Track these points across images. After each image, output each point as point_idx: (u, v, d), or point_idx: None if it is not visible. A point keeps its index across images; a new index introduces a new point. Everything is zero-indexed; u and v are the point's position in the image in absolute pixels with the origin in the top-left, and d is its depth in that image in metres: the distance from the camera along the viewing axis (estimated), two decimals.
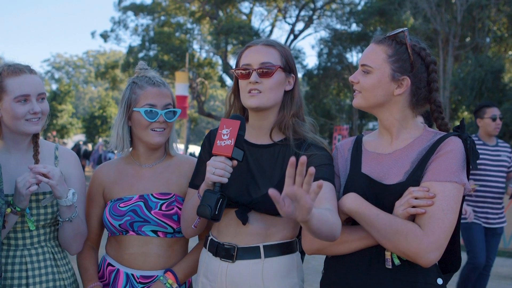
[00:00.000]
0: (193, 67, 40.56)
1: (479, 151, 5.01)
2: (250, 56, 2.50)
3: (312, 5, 40.56)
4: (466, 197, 5.04)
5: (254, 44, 2.54)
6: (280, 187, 2.38)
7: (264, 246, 2.42)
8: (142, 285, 2.67)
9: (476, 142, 5.14)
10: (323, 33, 43.27)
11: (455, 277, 5.85)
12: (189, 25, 43.00)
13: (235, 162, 2.30)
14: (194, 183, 2.59)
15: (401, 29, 2.30)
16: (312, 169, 1.76)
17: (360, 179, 2.30)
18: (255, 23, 45.07)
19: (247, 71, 2.46)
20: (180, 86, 32.35)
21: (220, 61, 41.82)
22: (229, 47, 38.50)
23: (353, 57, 42.08)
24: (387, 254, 2.18)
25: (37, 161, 2.63)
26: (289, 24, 42.31)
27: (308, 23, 41.33)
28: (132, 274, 2.68)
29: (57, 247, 2.71)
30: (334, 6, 39.80)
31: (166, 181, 2.77)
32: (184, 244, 2.79)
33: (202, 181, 2.40)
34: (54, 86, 66.32)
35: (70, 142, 48.14)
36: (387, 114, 2.33)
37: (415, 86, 2.28)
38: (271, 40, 2.59)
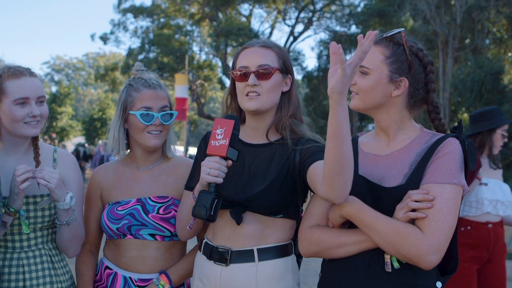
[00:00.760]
0: (193, 69, 40.58)
1: None
2: (247, 58, 2.48)
3: (311, 7, 40.60)
4: None
5: (251, 46, 2.52)
6: (275, 185, 2.38)
7: (258, 249, 2.40)
8: None
9: None
10: (323, 35, 43.37)
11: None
12: (188, 27, 43.03)
13: (230, 162, 2.28)
14: (190, 185, 2.58)
15: (398, 30, 2.28)
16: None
17: (358, 182, 2.27)
18: (255, 25, 45.11)
19: (245, 73, 2.45)
20: (179, 88, 32.34)
21: (219, 63, 41.85)
22: (229, 49, 38.53)
23: None
24: (387, 258, 2.16)
25: (38, 163, 2.62)
26: (288, 26, 42.33)
27: (308, 25, 41.35)
28: (130, 277, 2.67)
29: (55, 250, 2.70)
30: (333, 8, 39.82)
31: (164, 184, 2.76)
32: (182, 247, 2.78)
33: (197, 183, 2.39)
34: (53, 89, 66.38)
35: (70, 144, 48.12)
36: (384, 115, 2.31)
37: (413, 87, 2.27)
38: (268, 41, 2.57)
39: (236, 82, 2.51)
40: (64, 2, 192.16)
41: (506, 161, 29.93)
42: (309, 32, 60.45)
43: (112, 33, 43.23)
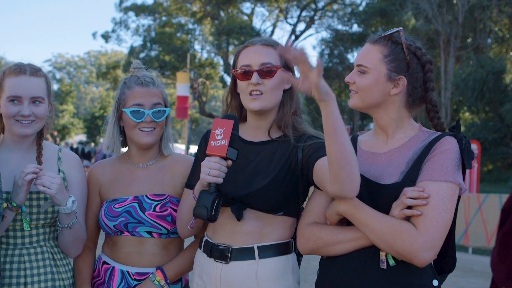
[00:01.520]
0: (195, 67, 40.62)
1: None
2: (249, 56, 2.47)
3: (313, 6, 40.60)
4: None
5: (253, 44, 2.51)
6: (276, 182, 2.38)
7: (258, 247, 2.40)
8: (137, 282, 2.66)
9: None
10: (324, 34, 43.33)
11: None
12: (190, 26, 43.06)
13: (230, 162, 2.28)
14: (190, 183, 2.57)
15: (396, 29, 2.29)
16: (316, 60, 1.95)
17: None
18: (257, 23, 45.10)
19: (247, 72, 2.45)
20: (181, 86, 32.37)
21: (221, 62, 41.90)
22: (231, 48, 38.54)
23: (354, 58, 42.09)
24: (382, 255, 2.16)
25: (40, 163, 2.62)
26: (290, 24, 42.37)
27: (310, 23, 41.37)
28: (127, 271, 2.68)
29: (57, 247, 2.70)
30: (335, 6, 39.83)
31: (161, 182, 2.76)
32: (179, 244, 2.78)
33: (198, 181, 2.39)
34: (55, 86, 66.40)
35: (70, 142, 48.17)
36: (383, 114, 2.32)
37: (411, 86, 2.26)
38: (269, 39, 2.57)
39: (238, 81, 2.51)
40: (66, 1, 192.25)
41: (508, 160, 29.93)
42: (310, 30, 60.58)
43: (113, 31, 43.29)
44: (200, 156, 2.56)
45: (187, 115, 34.54)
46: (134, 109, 2.67)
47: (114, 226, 2.67)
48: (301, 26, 42.45)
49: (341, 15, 39.75)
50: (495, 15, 32.29)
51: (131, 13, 42.35)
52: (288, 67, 2.49)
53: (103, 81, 49.06)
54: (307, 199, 2.52)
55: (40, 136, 2.70)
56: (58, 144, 2.95)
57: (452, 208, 2.11)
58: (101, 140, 49.13)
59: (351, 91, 2.36)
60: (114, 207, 2.69)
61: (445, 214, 2.08)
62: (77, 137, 51.66)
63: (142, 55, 39.92)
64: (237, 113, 2.59)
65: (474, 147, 14.28)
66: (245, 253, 2.39)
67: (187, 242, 2.82)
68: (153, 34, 41.40)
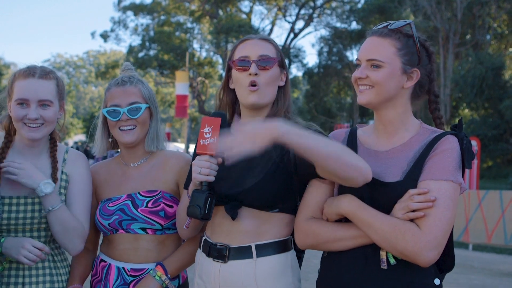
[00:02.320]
0: (193, 66, 40.62)
1: None
2: (247, 48, 2.47)
3: (312, 4, 40.58)
4: None
5: (250, 38, 2.52)
6: (269, 178, 2.36)
7: (256, 246, 2.38)
8: (132, 278, 2.67)
9: None
10: (323, 32, 43.26)
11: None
12: (189, 24, 43.04)
13: (220, 160, 2.27)
14: (188, 184, 2.52)
15: (405, 22, 2.27)
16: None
17: None
18: (255, 22, 45.03)
19: (246, 62, 2.44)
20: (180, 85, 32.38)
21: (220, 60, 41.89)
22: (229, 46, 38.48)
23: (354, 55, 41.93)
24: (382, 254, 2.15)
25: (55, 179, 2.62)
26: (289, 22, 42.37)
27: (308, 21, 41.35)
28: (123, 268, 2.69)
29: (57, 249, 2.70)
30: (334, 4, 39.81)
31: (153, 178, 2.76)
32: (175, 239, 2.77)
33: None
34: None
35: (70, 142, 48.17)
36: (390, 109, 2.29)
37: (422, 78, 2.26)
38: (266, 36, 2.58)
39: (234, 75, 2.49)
40: (64, 0, 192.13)
41: (508, 156, 29.94)
42: (309, 28, 60.46)
43: (112, 30, 43.29)
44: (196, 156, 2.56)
45: (187, 114, 34.53)
46: (110, 109, 2.70)
47: (108, 224, 2.68)
48: (299, 24, 42.53)
49: (339, 13, 39.76)
50: (494, 11, 32.29)
51: (129, 13, 42.36)
52: (282, 64, 2.51)
53: (102, 81, 48.99)
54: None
55: (53, 146, 2.70)
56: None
57: (454, 207, 2.11)
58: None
59: (351, 88, 2.35)
60: (108, 206, 2.71)
61: (447, 213, 2.07)
62: (77, 137, 51.70)
63: (141, 54, 39.89)
64: (229, 109, 2.59)
65: (474, 143, 14.27)
66: (243, 252, 2.38)
67: None
68: (151, 33, 41.38)
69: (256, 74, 2.40)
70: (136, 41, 43.67)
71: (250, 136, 2.01)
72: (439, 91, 2.33)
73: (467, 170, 2.25)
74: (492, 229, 11.06)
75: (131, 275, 2.67)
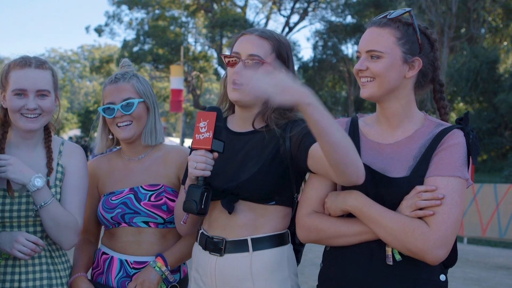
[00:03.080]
0: (188, 60, 40.54)
1: None
2: (242, 45, 2.44)
3: None
4: None
5: (249, 33, 2.47)
6: (264, 170, 2.35)
7: (252, 239, 2.37)
8: (135, 271, 2.67)
9: None
10: (318, 25, 43.26)
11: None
12: (183, 19, 42.93)
13: (216, 154, 2.26)
14: (185, 179, 2.50)
15: (404, 10, 2.22)
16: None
17: None
18: (250, 15, 45.02)
19: (234, 59, 2.42)
20: (175, 79, 32.33)
21: (215, 54, 41.82)
22: (224, 40, 38.45)
23: (348, 49, 42.00)
24: (388, 250, 2.11)
25: (50, 169, 2.60)
26: (284, 16, 42.29)
27: (303, 15, 41.29)
28: (126, 260, 2.70)
29: (55, 245, 2.67)
30: None
31: (155, 173, 2.77)
32: (177, 233, 2.76)
33: None
34: None
35: (65, 137, 48.05)
36: (393, 101, 2.24)
37: (424, 67, 2.22)
38: (268, 31, 2.51)
39: (227, 68, 2.48)
40: None
41: (502, 150, 30.03)
42: (304, 22, 60.50)
43: (107, 25, 43.11)
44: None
45: (181, 108, 34.46)
46: (105, 106, 2.73)
47: (111, 218, 2.69)
48: (294, 18, 42.43)
49: (334, 7, 39.68)
50: (488, 5, 32.32)
51: (124, 7, 42.18)
52: (281, 60, 2.45)
53: (96, 75, 48.96)
54: (299, 189, 2.50)
55: (48, 136, 2.68)
56: None
57: (462, 203, 2.07)
58: (95, 134, 49.00)
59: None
60: (111, 199, 2.72)
61: (455, 210, 2.04)
62: (71, 132, 51.57)
63: (135, 48, 39.78)
64: (229, 100, 2.56)
65: None
66: (239, 246, 2.38)
67: None
68: (146, 27, 41.25)
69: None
70: (131, 35, 43.68)
71: (279, 85, 1.88)
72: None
73: None
74: (486, 223, 11.11)
75: (134, 268, 2.68)
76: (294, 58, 41.92)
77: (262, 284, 2.36)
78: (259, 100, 2.43)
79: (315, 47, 39.67)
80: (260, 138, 2.43)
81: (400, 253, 2.10)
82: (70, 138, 42.36)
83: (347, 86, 37.89)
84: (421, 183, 2.10)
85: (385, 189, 2.15)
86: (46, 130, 2.69)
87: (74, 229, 2.60)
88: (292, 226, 2.49)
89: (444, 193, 2.04)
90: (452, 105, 34.68)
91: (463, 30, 34.26)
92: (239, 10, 41.97)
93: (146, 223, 2.68)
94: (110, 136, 2.87)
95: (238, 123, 2.51)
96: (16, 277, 2.54)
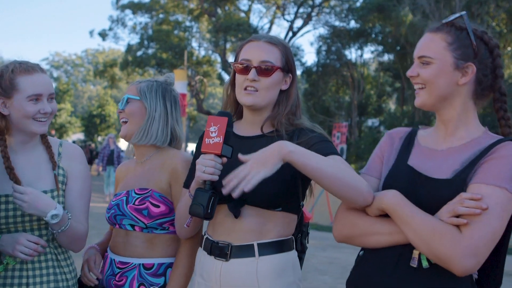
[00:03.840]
0: (192, 65, 40.55)
1: None
2: (251, 51, 2.46)
3: (310, 2, 40.53)
4: None
5: (257, 40, 2.49)
6: (272, 176, 2.34)
7: (258, 244, 2.38)
8: (119, 270, 2.76)
9: None
10: (322, 30, 43.33)
11: None
12: (187, 23, 42.96)
13: (225, 159, 2.28)
14: (188, 183, 2.55)
15: (458, 14, 2.15)
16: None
17: (404, 170, 2.18)
18: (254, 20, 45.11)
19: (246, 66, 2.43)
20: (178, 84, 32.23)
21: (219, 59, 41.82)
22: (228, 45, 38.49)
23: (352, 54, 42.08)
24: (415, 253, 2.04)
25: (54, 163, 2.63)
26: (287, 21, 42.29)
27: (307, 20, 41.29)
28: (114, 259, 2.81)
29: (60, 248, 2.69)
30: (332, 2, 39.76)
31: (148, 177, 2.80)
32: (166, 241, 2.77)
33: None
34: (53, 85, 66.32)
35: (68, 140, 48.12)
36: (448, 108, 2.16)
37: (481, 73, 2.11)
38: (274, 37, 2.54)
39: (236, 74, 2.50)
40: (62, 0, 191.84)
41: None
42: (308, 27, 60.58)
43: (110, 29, 43.18)
44: (198, 156, 2.55)
45: (185, 112, 34.45)
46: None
47: (108, 217, 2.83)
48: (298, 22, 42.60)
49: (338, 11, 39.67)
50: (492, 10, 32.29)
51: (128, 11, 42.25)
52: (287, 68, 2.48)
53: (100, 80, 48.96)
54: (306, 196, 2.51)
55: (43, 137, 2.70)
56: None
57: (504, 216, 1.94)
58: (99, 138, 49.08)
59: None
60: (112, 200, 2.84)
61: (495, 221, 1.91)
62: (75, 136, 51.65)
63: (139, 53, 39.83)
64: (234, 106, 2.59)
65: None
66: (245, 250, 2.38)
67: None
68: (150, 31, 41.30)
69: (254, 80, 2.40)
70: (135, 39, 43.61)
71: (260, 162, 2.05)
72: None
73: None
74: None
75: (118, 267, 2.77)
76: (298, 63, 42.08)
77: None
78: (272, 102, 2.48)
79: (318, 52, 39.67)
80: (268, 143, 2.44)
81: (428, 260, 2.02)
82: (74, 142, 42.48)
83: (351, 91, 37.89)
84: (462, 187, 2.02)
85: (424, 189, 2.09)
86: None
87: (84, 237, 2.68)
88: (296, 232, 2.49)
89: (487, 202, 1.92)
90: None
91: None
92: (243, 14, 42.01)
93: (132, 226, 2.74)
94: None
95: (246, 128, 2.53)
96: (24, 280, 2.55)
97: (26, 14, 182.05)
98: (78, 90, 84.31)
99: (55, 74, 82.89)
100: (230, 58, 40.19)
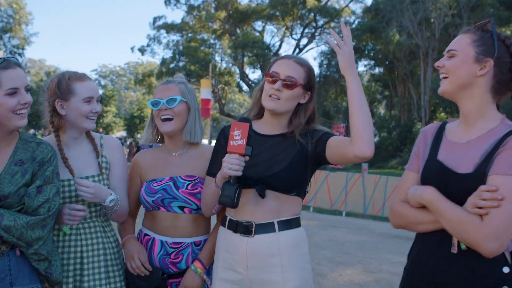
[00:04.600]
0: (215, 75, 40.58)
1: None
2: (281, 66, 2.48)
3: (314, 24, 40.44)
4: None
5: (288, 58, 2.51)
6: (292, 166, 2.42)
7: (278, 222, 2.42)
8: (173, 249, 2.71)
9: None
10: (324, 47, 43.06)
11: None
12: (211, 41, 43.03)
13: (247, 158, 2.33)
14: (211, 171, 2.59)
15: (487, 20, 2.10)
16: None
17: (435, 166, 2.11)
18: (267, 39, 44.98)
19: (274, 78, 2.46)
20: (204, 91, 32.33)
21: (237, 70, 41.85)
22: (245, 59, 38.52)
23: None
24: (454, 240, 1.99)
25: (97, 153, 2.69)
26: (295, 39, 42.22)
27: (311, 39, 41.23)
28: (166, 241, 2.72)
29: (106, 222, 2.75)
30: (332, 24, 39.59)
31: (192, 166, 2.77)
32: (204, 219, 2.78)
33: (218, 170, 2.43)
34: (100, 91, 66.61)
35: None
36: (467, 99, 2.08)
37: (498, 69, 2.03)
38: (303, 59, 2.56)
39: (265, 83, 2.52)
40: (109, 21, 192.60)
41: None
42: (312, 44, 60.25)
43: (148, 45, 43.34)
44: (218, 148, 2.57)
45: (209, 115, 34.48)
46: (153, 100, 2.75)
47: (152, 201, 2.71)
48: (304, 41, 42.32)
49: (337, 32, 39.48)
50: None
51: (162, 31, 42.39)
52: (308, 86, 2.50)
53: (139, 87, 49.18)
54: (309, 184, 2.53)
55: (88, 133, 2.75)
56: None
57: None
58: (138, 135, 49.26)
59: (441, 76, 2.15)
60: (153, 185, 2.73)
61: (510, 206, 1.85)
62: (119, 133, 51.95)
63: (171, 65, 39.95)
64: (258, 107, 2.61)
65: None
66: (267, 227, 2.41)
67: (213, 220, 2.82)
68: (181, 48, 41.41)
69: (278, 90, 2.43)
70: (168, 54, 43.73)
71: (350, 53, 2.30)
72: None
73: None
74: None
75: (172, 247, 2.71)
76: None
77: (287, 258, 2.41)
78: (290, 111, 2.51)
79: (320, 65, 39.58)
80: (286, 140, 2.47)
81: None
82: (120, 139, 42.71)
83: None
84: (483, 180, 1.95)
85: (452, 184, 2.04)
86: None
87: (126, 212, 2.78)
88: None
89: (502, 191, 1.87)
90: (435, 114, 34.38)
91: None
92: (257, 34, 41.98)
93: (181, 208, 2.69)
94: (154, 131, 2.86)
95: (266, 127, 2.55)
96: (79, 248, 2.62)
97: (80, 32, 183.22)
98: (121, 95, 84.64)
99: (102, 82, 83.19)
100: (247, 70, 40.24)
